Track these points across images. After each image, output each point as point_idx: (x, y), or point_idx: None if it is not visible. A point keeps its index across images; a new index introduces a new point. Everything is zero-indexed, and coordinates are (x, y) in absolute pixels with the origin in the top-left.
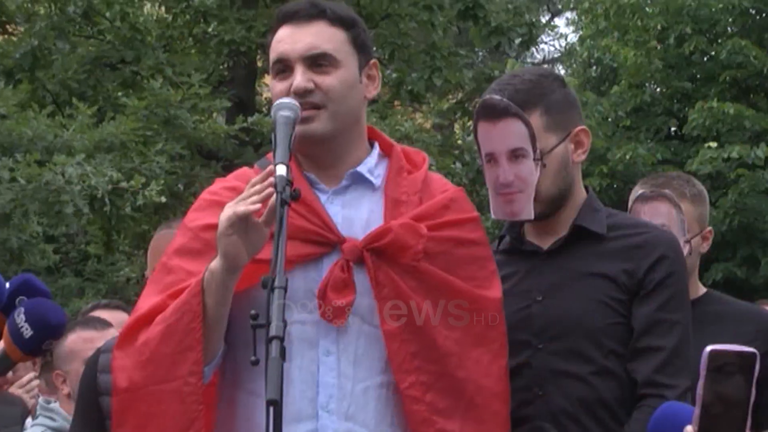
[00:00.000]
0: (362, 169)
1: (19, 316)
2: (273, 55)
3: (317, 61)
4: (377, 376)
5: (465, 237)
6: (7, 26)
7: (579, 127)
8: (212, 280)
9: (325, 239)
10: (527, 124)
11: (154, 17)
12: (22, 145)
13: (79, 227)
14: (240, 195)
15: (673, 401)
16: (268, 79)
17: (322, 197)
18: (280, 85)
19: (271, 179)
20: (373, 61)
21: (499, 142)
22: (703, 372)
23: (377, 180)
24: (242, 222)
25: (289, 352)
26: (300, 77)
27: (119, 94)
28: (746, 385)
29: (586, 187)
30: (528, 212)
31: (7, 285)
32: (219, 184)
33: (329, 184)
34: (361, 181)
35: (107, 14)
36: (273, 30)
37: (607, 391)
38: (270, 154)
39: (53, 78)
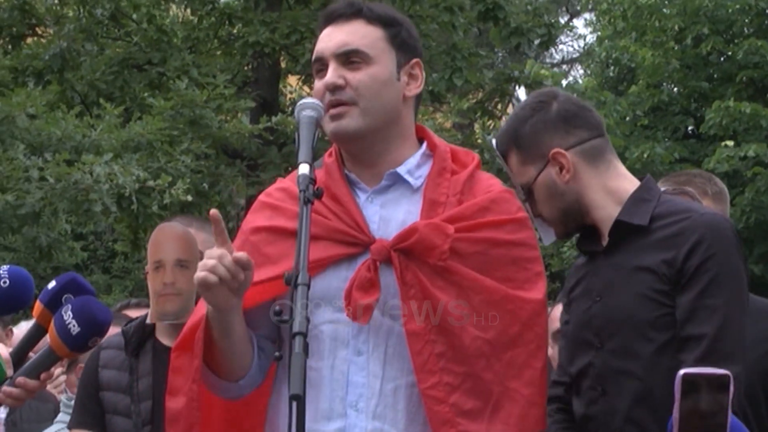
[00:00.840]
0: (401, 169)
1: (67, 313)
2: (313, 56)
3: (349, 58)
4: (409, 375)
5: (502, 238)
6: (37, 29)
7: (552, 151)
8: (211, 317)
9: (357, 240)
10: (509, 167)
11: (180, 19)
12: (51, 145)
13: (106, 225)
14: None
15: None
16: (291, 79)
17: (362, 197)
18: (318, 84)
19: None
20: (415, 60)
21: None
22: (677, 395)
23: (417, 181)
24: (204, 285)
25: (321, 351)
26: (331, 73)
27: (146, 94)
28: (722, 406)
29: (642, 176)
30: (545, 239)
31: (54, 283)
32: (275, 185)
33: (370, 183)
34: (401, 181)
35: (134, 16)
36: (319, 33)
37: (662, 386)
38: (325, 156)
39: (81, 79)
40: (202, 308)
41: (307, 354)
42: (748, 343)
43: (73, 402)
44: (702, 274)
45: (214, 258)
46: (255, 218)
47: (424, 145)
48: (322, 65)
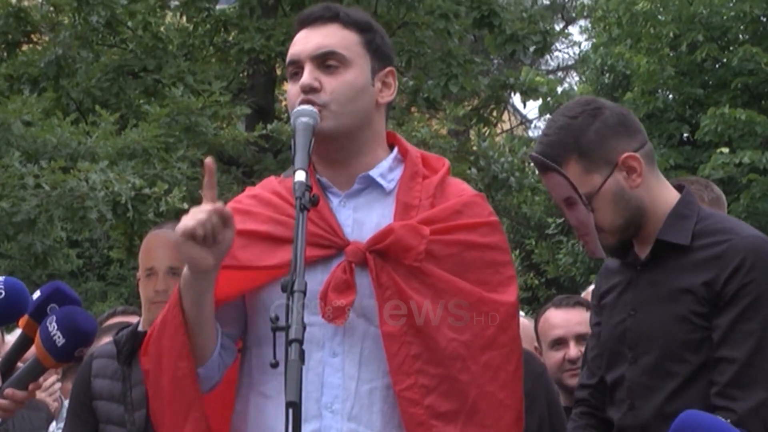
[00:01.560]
0: (374, 173)
1: (51, 324)
2: (287, 59)
3: (326, 61)
4: (384, 377)
5: (476, 241)
6: (32, 36)
7: (624, 155)
8: (185, 283)
9: (331, 242)
10: (564, 176)
11: (176, 26)
12: (46, 152)
13: (102, 232)
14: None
15: (695, 411)
16: (287, 86)
17: (335, 201)
18: (293, 87)
19: (212, 206)
20: (390, 68)
21: (554, 192)
22: None
23: (390, 184)
24: (189, 235)
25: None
26: (307, 75)
27: (141, 101)
28: None
29: (681, 186)
30: (598, 252)
31: (38, 293)
32: (244, 193)
33: (342, 187)
34: (373, 185)
35: (130, 24)
36: (293, 37)
37: (692, 405)
38: None
39: (77, 86)
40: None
41: (303, 361)
42: None
43: None
44: (740, 299)
45: (203, 211)
46: None
47: (395, 150)
48: (297, 68)
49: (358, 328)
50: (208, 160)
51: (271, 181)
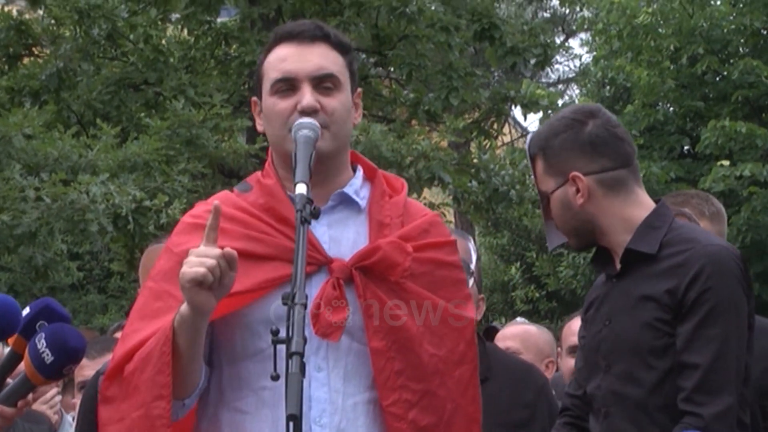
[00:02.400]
0: (349, 190)
1: (40, 342)
2: (275, 73)
3: (323, 83)
4: (366, 392)
5: (444, 259)
6: (34, 48)
7: (572, 173)
8: (182, 322)
9: (312, 259)
10: (534, 169)
11: (177, 39)
12: (47, 165)
13: (103, 245)
14: (192, 255)
15: None
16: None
17: None
18: (283, 103)
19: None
20: (360, 89)
21: None
22: None
23: (363, 201)
24: (198, 282)
25: (279, 370)
26: (309, 96)
27: (142, 114)
28: None
29: (658, 199)
30: (550, 243)
31: (27, 309)
32: (200, 208)
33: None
34: (347, 202)
35: (131, 36)
36: (269, 48)
37: (662, 411)
38: (250, 178)
39: (78, 99)
40: (129, 334)
41: (304, 374)
42: None
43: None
44: (700, 305)
45: (212, 257)
46: (188, 240)
47: (360, 168)
48: (290, 85)
49: (343, 344)
50: (217, 204)
51: (229, 196)
